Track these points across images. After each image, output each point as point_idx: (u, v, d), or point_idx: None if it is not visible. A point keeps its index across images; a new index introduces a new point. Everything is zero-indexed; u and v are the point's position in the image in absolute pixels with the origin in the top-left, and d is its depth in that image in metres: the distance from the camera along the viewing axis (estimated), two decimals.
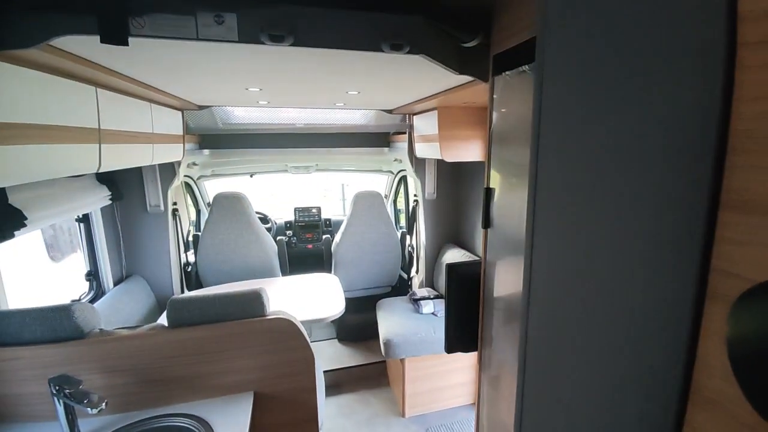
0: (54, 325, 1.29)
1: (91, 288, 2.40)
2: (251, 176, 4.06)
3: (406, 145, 3.05)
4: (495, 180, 1.22)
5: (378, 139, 3.46)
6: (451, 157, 2.43)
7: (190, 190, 3.74)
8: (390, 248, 3.35)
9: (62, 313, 1.29)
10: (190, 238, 3.29)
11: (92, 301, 2.32)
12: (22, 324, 1.27)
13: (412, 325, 2.58)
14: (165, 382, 1.43)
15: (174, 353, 1.42)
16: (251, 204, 3.10)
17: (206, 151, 3.07)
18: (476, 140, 2.47)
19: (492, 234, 1.27)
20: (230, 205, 3.00)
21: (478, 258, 2.76)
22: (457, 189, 3.19)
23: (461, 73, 1.29)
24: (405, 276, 3.64)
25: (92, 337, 1.35)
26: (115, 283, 2.55)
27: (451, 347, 1.46)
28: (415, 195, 3.37)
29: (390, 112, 2.81)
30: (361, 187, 3.41)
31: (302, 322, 2.29)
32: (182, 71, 1.38)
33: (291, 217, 4.15)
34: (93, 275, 2.41)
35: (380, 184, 4.54)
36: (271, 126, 3.02)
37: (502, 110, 1.17)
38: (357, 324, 3.34)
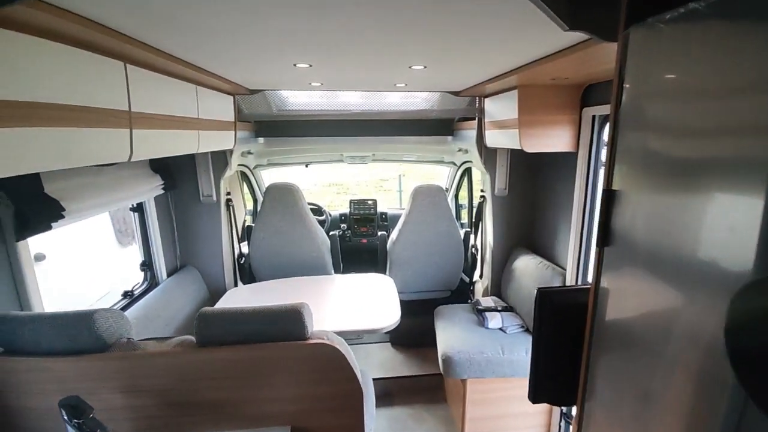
0: (74, 335, 1.15)
1: (145, 278, 2.37)
2: (306, 166, 3.95)
3: (473, 132, 2.68)
4: (624, 179, 0.85)
5: (440, 127, 3.12)
6: (532, 147, 2.03)
7: (247, 180, 3.69)
8: (451, 249, 3.01)
9: (83, 322, 1.15)
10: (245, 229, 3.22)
11: (146, 291, 2.28)
12: (38, 332, 1.15)
13: (477, 341, 2.24)
14: (190, 407, 1.26)
15: (201, 375, 1.23)
16: (303, 196, 2.94)
17: (261, 140, 2.95)
18: (564, 126, 2.04)
19: (613, 253, 0.90)
20: (282, 196, 2.86)
21: (561, 269, 2.35)
22: (534, 185, 2.73)
23: (572, 28, 0.93)
24: (467, 280, 3.28)
25: (116, 348, 1.20)
26: (169, 274, 2.52)
27: (537, 396, 1.12)
28: (482, 190, 2.98)
29: (457, 94, 2.45)
30: (418, 178, 3.10)
31: (354, 332, 2.07)
32: (218, 40, 1.16)
33: (346, 210, 3.98)
34: (147, 265, 2.38)
35: (440, 175, 4.20)
36: (326, 112, 2.81)
37: (643, 78, 0.79)
38: (412, 329, 3.06)
